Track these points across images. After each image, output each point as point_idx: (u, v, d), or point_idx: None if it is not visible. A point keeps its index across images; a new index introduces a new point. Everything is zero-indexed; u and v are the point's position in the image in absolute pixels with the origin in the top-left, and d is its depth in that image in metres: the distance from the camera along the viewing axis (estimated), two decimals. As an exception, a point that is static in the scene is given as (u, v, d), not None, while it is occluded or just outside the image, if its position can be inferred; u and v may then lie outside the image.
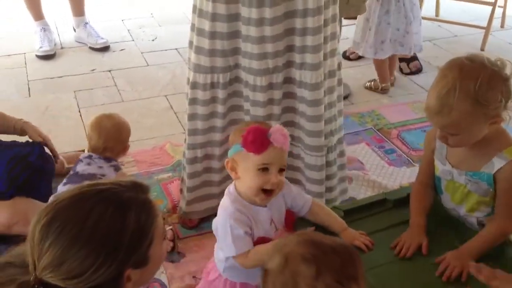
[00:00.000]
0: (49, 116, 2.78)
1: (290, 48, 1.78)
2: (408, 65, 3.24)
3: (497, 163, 1.36)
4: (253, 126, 1.34)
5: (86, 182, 1.01)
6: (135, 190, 1.01)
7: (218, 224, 1.39)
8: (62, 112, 2.81)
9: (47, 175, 2.04)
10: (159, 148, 2.49)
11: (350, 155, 2.47)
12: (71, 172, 1.95)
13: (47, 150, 2.10)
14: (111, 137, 1.96)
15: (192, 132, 1.91)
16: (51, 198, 1.72)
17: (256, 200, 1.37)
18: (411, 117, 2.74)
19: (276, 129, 1.34)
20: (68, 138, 2.57)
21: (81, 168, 1.93)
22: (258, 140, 1.32)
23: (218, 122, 1.86)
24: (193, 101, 1.86)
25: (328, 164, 1.96)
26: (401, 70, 3.25)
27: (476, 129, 1.33)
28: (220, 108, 1.85)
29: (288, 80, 1.82)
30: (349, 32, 3.31)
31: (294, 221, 1.50)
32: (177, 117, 2.77)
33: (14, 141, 2.07)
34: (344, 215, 1.48)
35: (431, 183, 1.51)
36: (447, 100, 1.27)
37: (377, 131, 2.65)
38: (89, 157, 1.96)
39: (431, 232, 1.42)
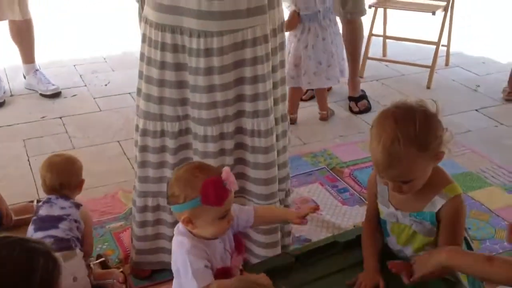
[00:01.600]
0: (-3, 166, 2.71)
1: (241, 98, 1.76)
2: (356, 104, 3.32)
3: (438, 202, 1.40)
4: (210, 179, 1.34)
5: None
6: (42, 243, 1.06)
7: (178, 263, 1.39)
8: (11, 162, 2.75)
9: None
10: (111, 195, 2.45)
11: (304, 196, 2.49)
12: (34, 218, 1.89)
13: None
14: (64, 172, 1.94)
15: (143, 179, 1.89)
16: None
17: (218, 236, 1.42)
18: (362, 155, 2.79)
19: (227, 174, 1.36)
20: (18, 189, 2.50)
21: (44, 212, 1.89)
22: (219, 193, 1.33)
23: (169, 173, 1.82)
24: (143, 149, 1.85)
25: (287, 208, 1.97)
26: (350, 109, 3.33)
27: (426, 170, 1.37)
28: (170, 159, 1.82)
29: (240, 130, 1.80)
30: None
31: (242, 243, 1.53)
32: (130, 163, 2.74)
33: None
34: (295, 260, 1.48)
35: (378, 225, 1.54)
36: (394, 151, 1.30)
37: (330, 170, 2.68)
38: (48, 200, 1.92)
39: (386, 273, 1.44)
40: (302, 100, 3.42)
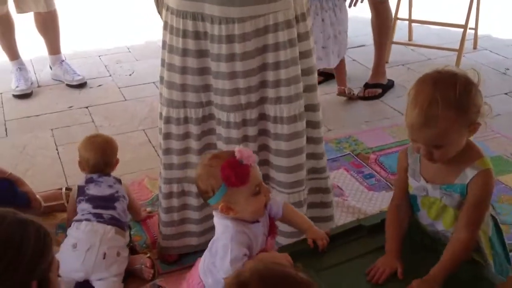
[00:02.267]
0: (26, 155, 2.76)
1: (263, 84, 1.75)
2: (365, 89, 3.28)
3: (470, 174, 1.38)
4: (225, 162, 1.35)
5: None
6: (31, 216, 1.11)
7: (219, 244, 1.40)
8: (39, 151, 2.79)
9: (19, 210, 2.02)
10: (137, 183, 2.47)
11: (329, 182, 2.48)
12: (84, 197, 1.94)
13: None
14: (107, 150, 2.04)
15: (168, 166, 1.90)
16: None
17: (260, 216, 1.43)
18: (389, 141, 2.76)
19: (240, 152, 1.36)
20: (46, 177, 2.55)
21: (94, 191, 1.96)
22: (239, 172, 1.33)
23: (194, 158, 1.84)
24: (167, 136, 1.86)
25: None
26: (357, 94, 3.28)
27: (460, 137, 1.35)
28: (194, 144, 1.83)
29: (263, 117, 1.79)
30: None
31: (275, 225, 1.53)
32: (156, 150, 2.76)
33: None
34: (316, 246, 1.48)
35: (405, 205, 1.51)
36: (432, 112, 1.28)
37: (355, 157, 2.66)
38: (91, 179, 1.99)
39: (407, 257, 1.42)
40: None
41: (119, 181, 2.04)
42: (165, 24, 1.77)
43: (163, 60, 1.82)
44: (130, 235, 1.99)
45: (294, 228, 1.64)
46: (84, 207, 1.92)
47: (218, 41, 1.67)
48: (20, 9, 3.31)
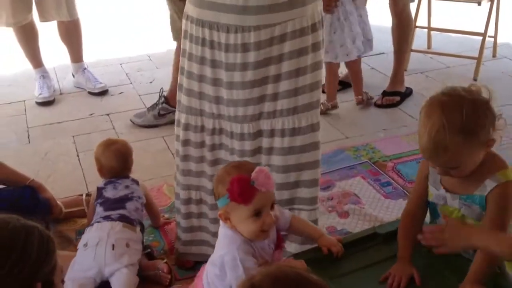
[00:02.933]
0: (48, 161, 2.82)
1: (276, 96, 1.75)
2: (383, 97, 3.28)
3: (489, 185, 1.38)
4: (236, 177, 1.36)
5: None
6: (35, 221, 1.14)
7: (226, 257, 1.40)
8: (61, 157, 2.85)
9: (40, 216, 2.07)
10: (156, 189, 2.51)
11: (346, 189, 2.49)
12: (100, 200, 2.00)
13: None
14: (125, 155, 2.11)
15: (186, 172, 1.93)
16: None
17: (257, 239, 1.42)
18: (406, 149, 2.76)
19: (258, 173, 1.35)
20: (67, 183, 2.60)
21: (110, 193, 2.01)
22: (244, 191, 1.34)
23: (208, 169, 1.86)
24: (186, 143, 1.89)
25: None
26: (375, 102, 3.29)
27: (474, 157, 1.36)
28: (208, 155, 1.85)
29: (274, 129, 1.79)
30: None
31: (281, 238, 1.55)
32: (174, 157, 2.80)
33: (3, 187, 2.14)
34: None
35: (419, 213, 1.52)
36: (440, 139, 1.30)
37: (372, 164, 2.67)
38: (110, 181, 2.05)
39: (421, 263, 1.43)
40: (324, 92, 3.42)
41: (136, 182, 2.09)
42: (185, 32, 1.80)
43: (182, 68, 1.85)
44: (142, 232, 2.00)
45: (305, 237, 1.66)
46: (98, 211, 1.97)
47: (233, 51, 1.68)
48: (44, 17, 3.39)
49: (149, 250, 2.03)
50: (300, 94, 1.74)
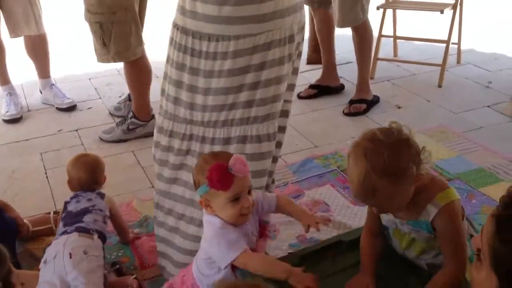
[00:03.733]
0: (15, 180, 2.78)
1: (250, 103, 1.78)
2: (350, 105, 3.33)
3: (431, 211, 1.41)
4: (214, 165, 1.44)
5: None
6: None
7: (207, 239, 1.51)
8: (29, 175, 2.82)
9: (8, 237, 2.04)
10: (125, 204, 2.50)
11: (316, 198, 2.51)
12: (63, 215, 1.99)
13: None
14: (97, 169, 2.11)
15: (158, 176, 1.94)
16: None
17: (238, 223, 1.51)
18: (374, 156, 2.80)
19: (235, 160, 1.44)
20: (35, 201, 2.57)
21: (72, 207, 2.00)
22: (222, 178, 1.42)
23: (170, 173, 1.90)
24: (157, 145, 1.92)
25: None
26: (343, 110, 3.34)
27: (403, 194, 1.39)
28: (173, 159, 1.88)
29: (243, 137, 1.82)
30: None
31: (265, 227, 1.63)
32: (144, 171, 2.80)
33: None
34: (299, 260, 1.51)
35: (378, 230, 1.55)
36: (367, 183, 1.34)
37: (341, 172, 2.70)
38: (75, 195, 2.05)
39: (386, 274, 1.45)
40: (300, 97, 3.49)
41: (101, 196, 2.06)
42: (171, 40, 1.82)
43: (165, 73, 1.87)
44: (103, 242, 1.94)
45: (290, 217, 1.73)
46: (59, 227, 1.95)
47: (212, 58, 1.72)
48: (14, 33, 3.35)
49: (117, 266, 2.02)
50: (275, 102, 1.79)
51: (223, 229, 1.49)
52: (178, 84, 1.80)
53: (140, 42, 2.92)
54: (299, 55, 1.92)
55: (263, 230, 1.66)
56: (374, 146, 1.34)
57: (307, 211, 1.68)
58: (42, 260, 1.83)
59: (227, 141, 1.80)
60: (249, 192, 1.50)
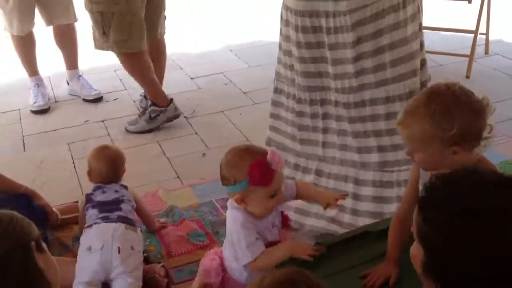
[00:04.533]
0: (43, 169, 2.83)
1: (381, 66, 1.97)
2: None
3: None
4: (255, 162, 1.44)
5: None
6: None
7: (233, 235, 1.54)
8: (57, 165, 2.86)
9: (38, 224, 2.07)
10: (151, 194, 2.52)
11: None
12: (90, 205, 2.02)
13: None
14: (116, 161, 2.13)
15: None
16: None
17: (263, 216, 1.53)
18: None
19: (272, 155, 1.46)
20: (63, 190, 2.61)
21: (100, 197, 2.03)
22: (265, 174, 1.43)
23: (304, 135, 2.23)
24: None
25: None
26: None
27: (433, 151, 1.36)
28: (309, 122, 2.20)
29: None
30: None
31: (287, 218, 1.67)
32: (170, 162, 2.82)
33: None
34: (327, 250, 1.50)
35: (409, 219, 1.53)
36: (410, 115, 1.37)
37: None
38: (98, 188, 2.08)
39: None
40: None
41: (125, 187, 2.10)
42: (286, 21, 2.08)
43: (289, 52, 2.12)
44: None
45: (311, 201, 1.85)
46: (91, 213, 1.98)
47: (334, 32, 1.93)
48: (51, 22, 3.40)
49: (145, 254, 2.04)
50: (405, 62, 1.96)
51: (244, 227, 1.50)
52: (314, 60, 2.03)
53: (141, 36, 2.91)
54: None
55: (286, 220, 1.66)
56: (441, 91, 1.36)
57: (325, 192, 1.74)
58: (85, 245, 1.87)
59: (362, 103, 2.00)
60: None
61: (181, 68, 4.02)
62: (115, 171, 2.10)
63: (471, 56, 3.57)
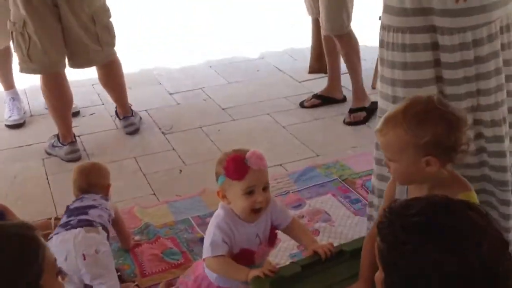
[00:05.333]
0: (17, 185, 2.79)
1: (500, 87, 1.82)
2: (350, 115, 3.33)
3: None
4: (231, 156, 1.54)
5: None
6: (19, 226, 1.14)
7: (209, 226, 1.63)
8: (30, 180, 2.82)
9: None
10: (127, 211, 2.49)
11: (317, 207, 2.51)
12: (64, 215, 2.03)
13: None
14: (92, 173, 2.14)
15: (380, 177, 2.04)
16: None
17: (248, 219, 1.59)
18: (376, 166, 2.79)
19: (252, 153, 1.54)
20: (36, 206, 2.57)
21: (76, 204, 2.04)
22: (237, 167, 1.51)
23: None
24: None
25: None
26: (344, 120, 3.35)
27: (407, 159, 1.39)
28: None
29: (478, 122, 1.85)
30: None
31: (276, 237, 1.70)
32: (146, 178, 2.80)
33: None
34: (302, 270, 1.50)
35: None
36: (388, 122, 1.41)
37: (342, 182, 2.69)
38: (78, 199, 2.08)
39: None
40: (303, 106, 3.51)
41: (105, 198, 2.09)
42: (385, 43, 1.84)
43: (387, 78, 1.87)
44: (108, 237, 1.98)
45: (297, 241, 1.82)
46: (62, 219, 1.99)
47: (451, 51, 1.73)
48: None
49: (118, 273, 2.02)
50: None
51: (217, 227, 1.57)
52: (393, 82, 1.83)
53: (39, 59, 2.87)
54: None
55: (274, 237, 1.70)
56: (420, 100, 1.40)
57: (316, 241, 1.71)
58: None
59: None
60: (265, 189, 1.57)
61: (160, 84, 4.01)
62: (88, 182, 2.10)
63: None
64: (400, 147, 1.38)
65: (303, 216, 2.43)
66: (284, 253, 2.15)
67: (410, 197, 1.49)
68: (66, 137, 3.03)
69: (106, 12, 3.01)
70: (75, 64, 3.05)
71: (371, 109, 3.37)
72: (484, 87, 1.79)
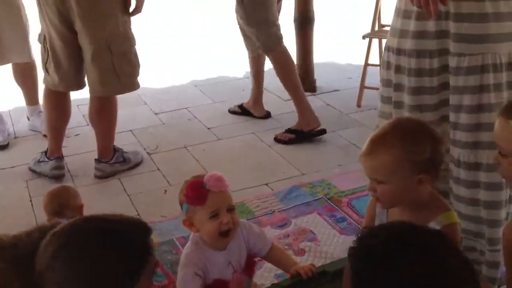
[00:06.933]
0: (0, 207, 2.75)
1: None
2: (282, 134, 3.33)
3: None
4: (189, 182, 1.52)
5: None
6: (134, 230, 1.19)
7: (181, 259, 1.60)
8: (13, 203, 2.79)
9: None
10: (110, 232, 2.47)
11: (302, 226, 2.50)
12: None
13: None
14: (60, 194, 2.15)
15: None
16: None
17: (218, 245, 1.55)
18: (361, 184, 2.79)
19: (210, 176, 1.50)
20: (19, 228, 2.47)
21: None
22: (196, 193, 1.48)
23: None
24: None
25: None
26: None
27: (398, 180, 1.38)
28: None
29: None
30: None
31: (253, 265, 1.66)
32: (130, 199, 2.78)
33: None
34: (284, 291, 1.49)
35: None
36: (378, 144, 1.38)
37: (328, 200, 2.69)
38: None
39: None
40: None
41: None
42: (393, 65, 1.77)
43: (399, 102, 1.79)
44: None
45: (278, 267, 1.75)
46: None
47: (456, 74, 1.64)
48: (5, 60, 3.33)
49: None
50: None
51: (188, 262, 1.54)
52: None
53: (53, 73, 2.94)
54: None
55: (252, 267, 1.66)
56: (408, 121, 1.44)
57: (295, 262, 1.67)
58: None
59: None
60: (230, 211, 1.53)
61: (145, 104, 4.00)
62: (59, 204, 2.10)
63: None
64: (393, 167, 1.36)
65: (288, 235, 2.43)
66: (269, 274, 2.14)
67: (388, 220, 1.50)
68: (54, 152, 3.03)
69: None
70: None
71: (306, 134, 3.32)
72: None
